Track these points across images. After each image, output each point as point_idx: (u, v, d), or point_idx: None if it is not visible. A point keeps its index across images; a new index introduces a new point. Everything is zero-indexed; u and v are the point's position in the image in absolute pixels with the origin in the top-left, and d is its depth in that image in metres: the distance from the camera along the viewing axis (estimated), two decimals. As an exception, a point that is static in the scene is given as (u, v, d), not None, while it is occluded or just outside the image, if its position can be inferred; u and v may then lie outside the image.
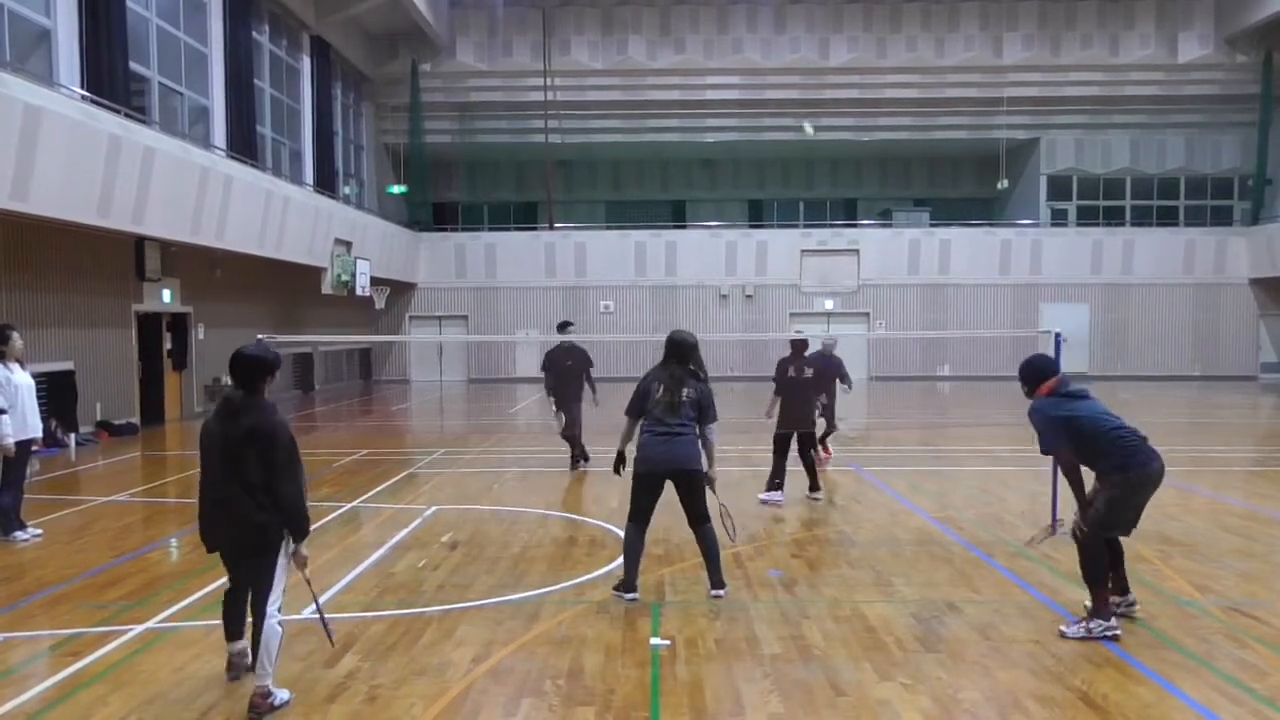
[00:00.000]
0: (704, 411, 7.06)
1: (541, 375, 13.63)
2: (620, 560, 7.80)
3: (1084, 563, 6.22)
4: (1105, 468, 6.22)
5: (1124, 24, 33.40)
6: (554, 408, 13.18)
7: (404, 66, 33.07)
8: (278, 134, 25.94)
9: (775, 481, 10.90)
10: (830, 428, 13.89)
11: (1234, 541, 8.85)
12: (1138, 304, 33.85)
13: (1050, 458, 7.69)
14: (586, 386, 13.28)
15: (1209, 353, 33.82)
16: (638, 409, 7.14)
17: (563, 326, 14.17)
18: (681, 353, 7.19)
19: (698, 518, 7.11)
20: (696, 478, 7.05)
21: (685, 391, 7.04)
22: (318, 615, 5.24)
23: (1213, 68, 33.48)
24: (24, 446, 9.10)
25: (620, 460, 7.41)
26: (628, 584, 7.06)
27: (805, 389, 11.11)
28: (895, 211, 37.87)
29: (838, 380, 13.82)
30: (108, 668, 5.74)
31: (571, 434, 13.16)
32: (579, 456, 13.29)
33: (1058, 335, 9.67)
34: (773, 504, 10.69)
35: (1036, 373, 6.49)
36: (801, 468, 11.11)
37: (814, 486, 11.13)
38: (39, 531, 9.30)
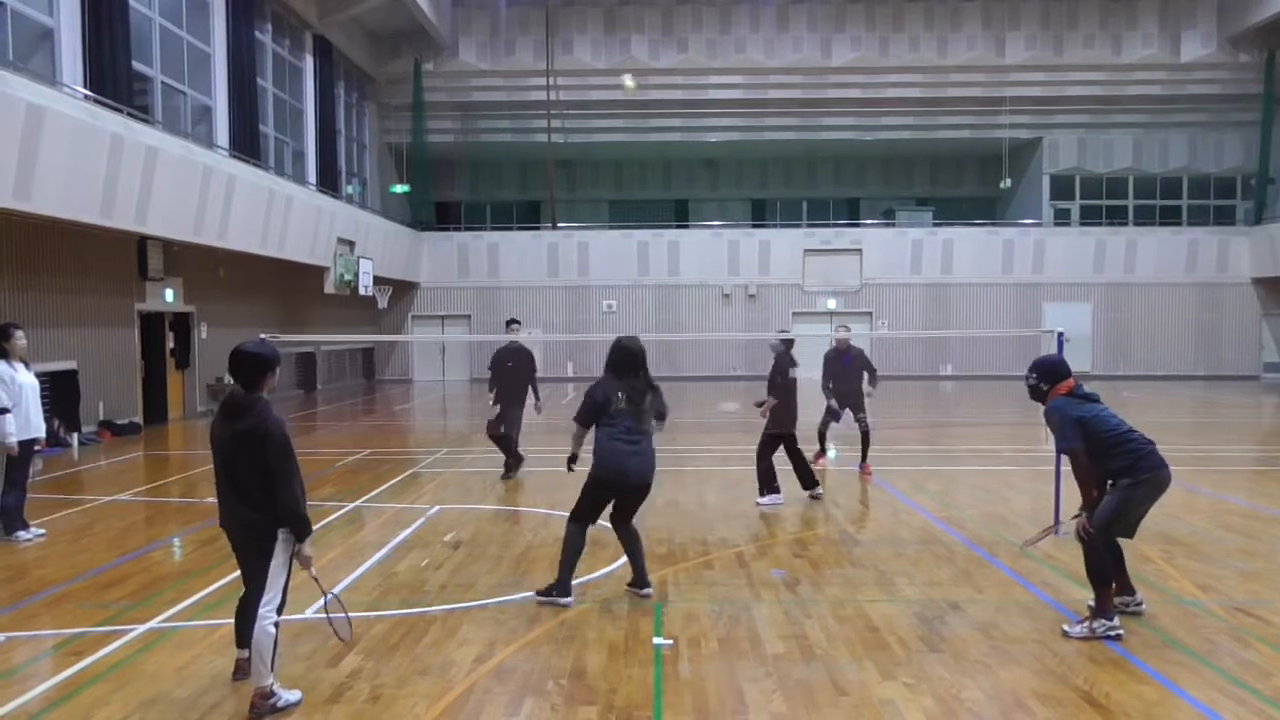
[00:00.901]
0: (660, 420, 7.15)
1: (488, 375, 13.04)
2: (621, 560, 7.80)
3: (1089, 563, 6.22)
4: (1115, 470, 6.24)
5: (1126, 23, 33.36)
6: (493, 403, 12.72)
7: (407, 66, 33.09)
8: (280, 133, 25.95)
9: (773, 485, 10.78)
10: (865, 435, 13.02)
11: (1237, 541, 8.84)
12: (1140, 303, 33.81)
13: (1056, 458, 7.72)
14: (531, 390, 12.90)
15: (1212, 352, 33.77)
16: (590, 419, 6.98)
17: (509, 325, 13.50)
18: (638, 362, 7.04)
19: (629, 519, 7.14)
20: (648, 489, 7.13)
21: (649, 400, 7.03)
22: (325, 613, 5.22)
23: (1215, 67, 33.43)
24: (27, 446, 9.11)
25: (574, 459, 7.29)
26: (563, 587, 6.91)
27: (792, 390, 10.93)
28: (898, 211, 37.86)
29: (865, 375, 13.10)
30: (110, 667, 5.74)
31: (498, 433, 12.67)
32: (513, 463, 12.79)
33: (1060, 335, 9.65)
34: (774, 507, 10.58)
35: (1056, 372, 6.49)
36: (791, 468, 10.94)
37: (811, 483, 10.93)
38: (42, 531, 9.31)
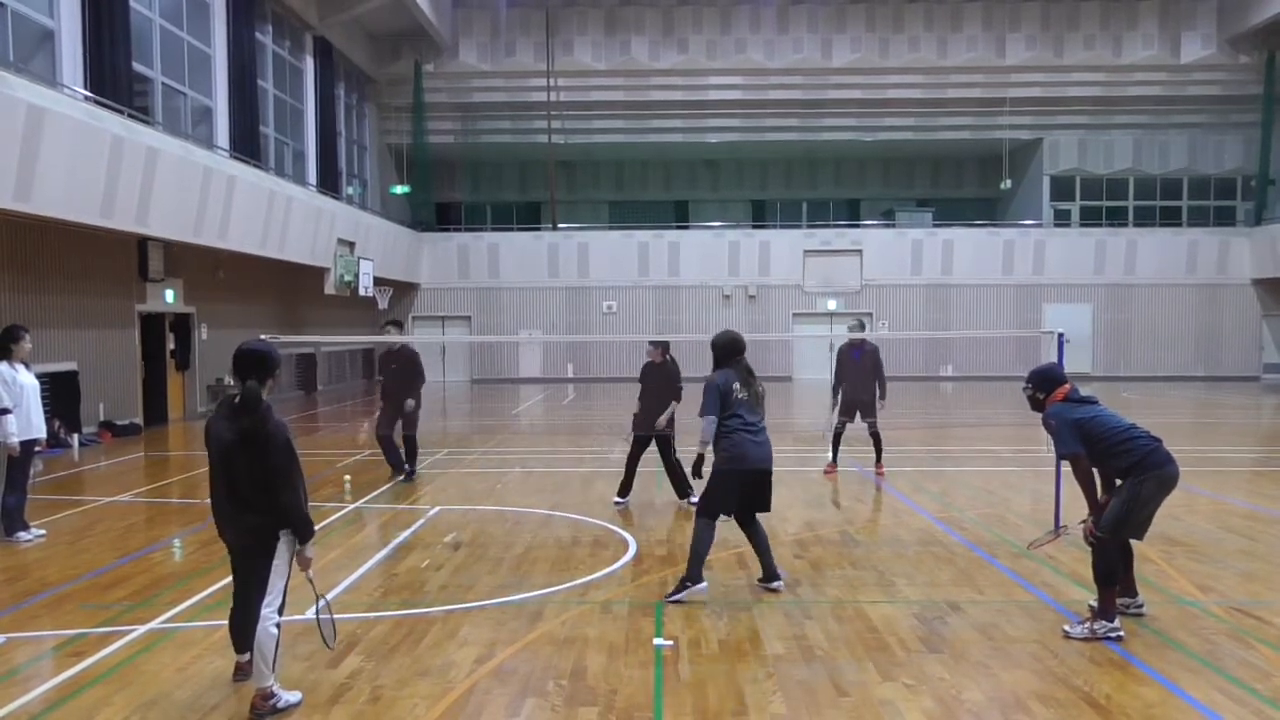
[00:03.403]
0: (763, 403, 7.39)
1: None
2: (623, 561, 7.84)
3: (1097, 564, 6.21)
4: (1121, 470, 6.22)
5: (1127, 24, 33.37)
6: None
7: (407, 67, 33.10)
8: (281, 134, 25.96)
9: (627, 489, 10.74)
10: (876, 439, 12.87)
11: (1237, 542, 8.84)
12: (1141, 304, 33.83)
13: (1056, 461, 7.72)
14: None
15: (1212, 353, 33.79)
16: (718, 410, 7.11)
17: (384, 326, 12.97)
18: (742, 350, 7.33)
19: (761, 512, 7.29)
20: (771, 476, 7.28)
21: (759, 387, 7.30)
22: (319, 617, 5.21)
23: (1215, 68, 33.45)
24: (28, 447, 9.11)
25: (702, 461, 7.32)
26: (696, 576, 7.07)
27: (663, 392, 10.66)
28: (898, 212, 37.90)
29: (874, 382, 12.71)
30: (111, 668, 5.74)
31: (384, 435, 12.49)
32: (405, 464, 12.49)
33: (1061, 335, 9.67)
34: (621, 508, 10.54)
35: (1052, 380, 6.52)
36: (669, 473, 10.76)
37: (685, 491, 10.64)
38: (42, 532, 9.31)
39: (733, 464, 7.06)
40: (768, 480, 7.20)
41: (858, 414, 12.77)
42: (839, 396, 12.90)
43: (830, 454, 13.07)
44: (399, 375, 12.44)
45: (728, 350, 7.30)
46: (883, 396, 12.74)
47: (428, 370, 13.29)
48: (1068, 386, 6.47)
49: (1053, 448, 6.47)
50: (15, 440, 8.84)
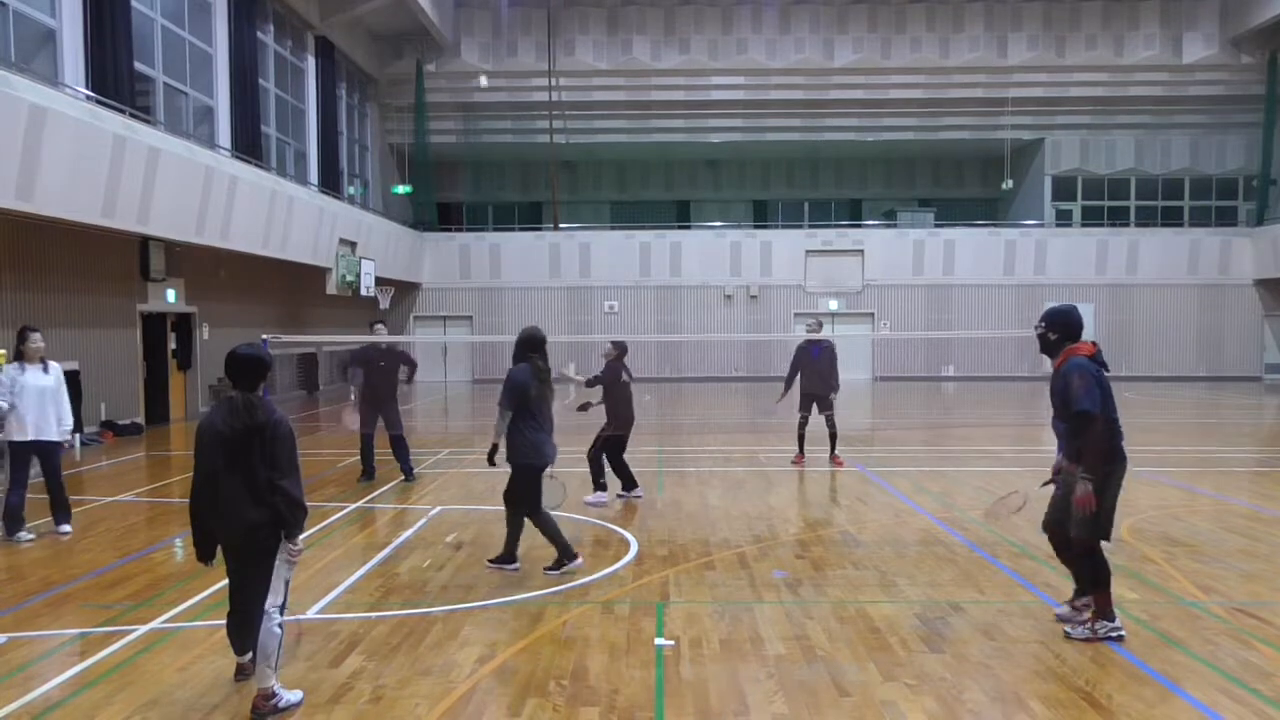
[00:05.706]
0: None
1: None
2: (624, 561, 7.86)
3: (1085, 570, 6.19)
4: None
5: (1129, 24, 33.37)
6: (352, 398, 12.49)
7: (409, 67, 33.12)
8: (282, 134, 25.97)
9: (601, 481, 10.83)
10: (832, 435, 13.53)
11: (1238, 542, 8.83)
12: (1142, 304, 33.82)
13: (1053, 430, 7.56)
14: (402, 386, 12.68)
15: (1214, 353, 33.78)
16: (516, 404, 7.61)
17: (373, 326, 12.99)
18: (539, 345, 7.85)
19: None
20: None
21: (551, 380, 7.81)
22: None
23: (1218, 68, 33.44)
24: (27, 448, 9.10)
25: (496, 451, 7.80)
26: (568, 553, 7.78)
27: (628, 393, 10.87)
28: (900, 212, 37.90)
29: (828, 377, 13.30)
30: (112, 668, 5.75)
31: (368, 432, 12.39)
32: (404, 470, 12.46)
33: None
34: (598, 505, 10.60)
35: (1072, 326, 6.13)
36: (611, 468, 10.97)
37: (630, 484, 10.99)
38: (32, 536, 9.26)
39: (535, 459, 7.63)
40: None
41: (814, 407, 13.37)
42: (790, 389, 13.57)
43: (798, 448, 13.73)
44: (389, 370, 12.42)
45: (526, 345, 7.82)
46: (835, 390, 13.37)
47: (429, 371, 13.43)
48: (1094, 346, 6.09)
49: (1053, 409, 6.09)
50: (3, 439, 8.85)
